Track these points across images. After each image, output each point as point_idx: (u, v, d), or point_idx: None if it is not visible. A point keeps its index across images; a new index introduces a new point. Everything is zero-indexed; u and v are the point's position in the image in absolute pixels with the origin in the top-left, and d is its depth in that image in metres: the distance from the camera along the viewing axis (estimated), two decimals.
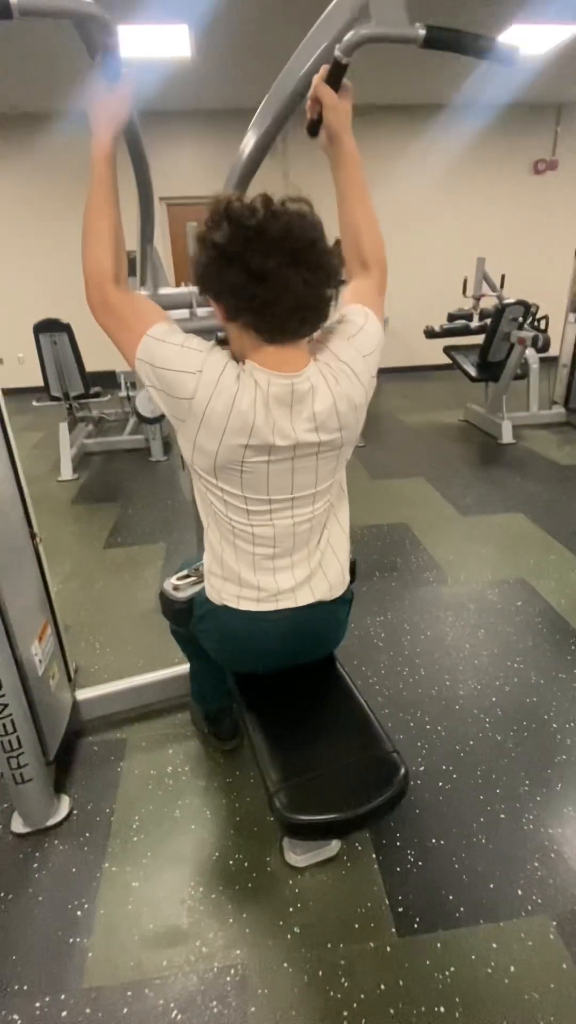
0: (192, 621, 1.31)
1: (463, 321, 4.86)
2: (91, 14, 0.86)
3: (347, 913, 1.28)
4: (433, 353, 6.07)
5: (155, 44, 4.21)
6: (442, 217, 6.58)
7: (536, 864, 1.36)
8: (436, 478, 3.74)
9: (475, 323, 4.81)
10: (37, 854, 1.44)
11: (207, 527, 1.12)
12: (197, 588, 1.33)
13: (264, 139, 1.31)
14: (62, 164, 5.90)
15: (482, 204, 6.65)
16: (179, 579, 1.37)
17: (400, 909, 1.28)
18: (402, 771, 1.06)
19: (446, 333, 5.00)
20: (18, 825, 1.50)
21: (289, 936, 1.24)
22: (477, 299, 4.85)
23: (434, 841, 1.43)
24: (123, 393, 4.70)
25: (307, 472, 1.01)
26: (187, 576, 1.37)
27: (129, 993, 1.16)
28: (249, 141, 1.33)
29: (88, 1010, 1.13)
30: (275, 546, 1.07)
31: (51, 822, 1.51)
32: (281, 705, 1.23)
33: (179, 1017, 1.11)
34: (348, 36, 0.97)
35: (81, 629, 2.34)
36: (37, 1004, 1.14)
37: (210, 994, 1.15)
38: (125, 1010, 1.13)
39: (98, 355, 3.39)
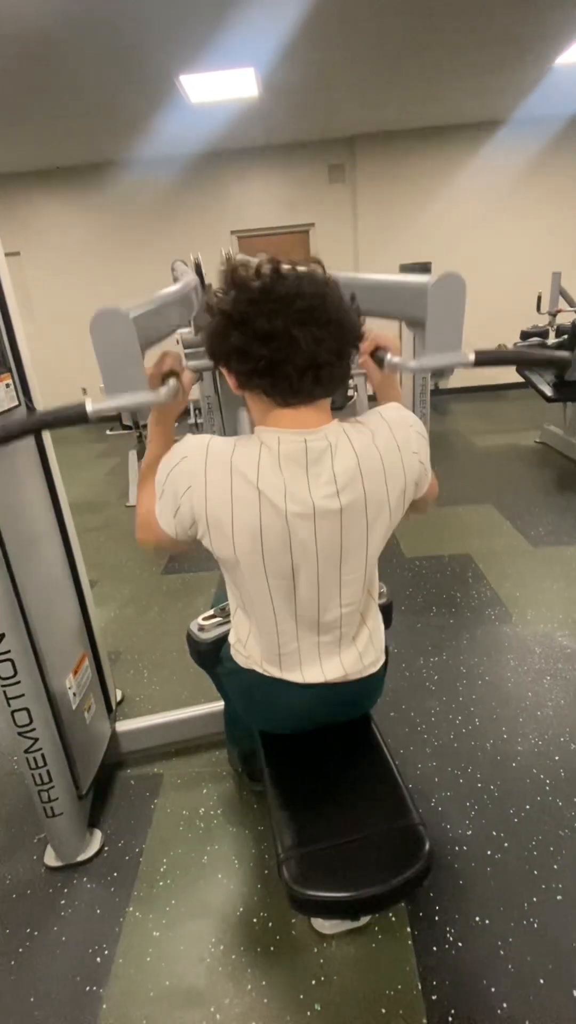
0: (218, 671, 1.27)
1: (538, 338, 4.61)
2: (157, 402, 0.93)
3: (374, 993, 1.17)
4: (505, 372, 5.81)
5: (224, 88, 4.39)
6: (512, 232, 6.33)
7: None
8: (506, 505, 3.52)
9: (551, 340, 4.55)
10: (66, 890, 1.44)
11: (232, 605, 1.09)
12: (223, 629, 1.29)
13: None
14: (128, 206, 6.25)
15: (555, 218, 6.34)
16: (204, 619, 1.34)
17: (434, 997, 1.15)
18: (426, 847, 0.95)
19: None
20: (51, 858, 1.51)
21: (309, 1013, 1.15)
22: (553, 315, 4.60)
23: (478, 920, 1.28)
24: (191, 421, 4.84)
25: (332, 548, 0.92)
26: (213, 616, 1.34)
27: None
28: None
29: None
30: (300, 649, 1.01)
31: (82, 857, 1.51)
32: (303, 762, 1.15)
33: None
34: (394, 359, 1.01)
35: (132, 656, 2.37)
36: None
37: None
38: None
39: None
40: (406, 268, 4.00)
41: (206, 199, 6.21)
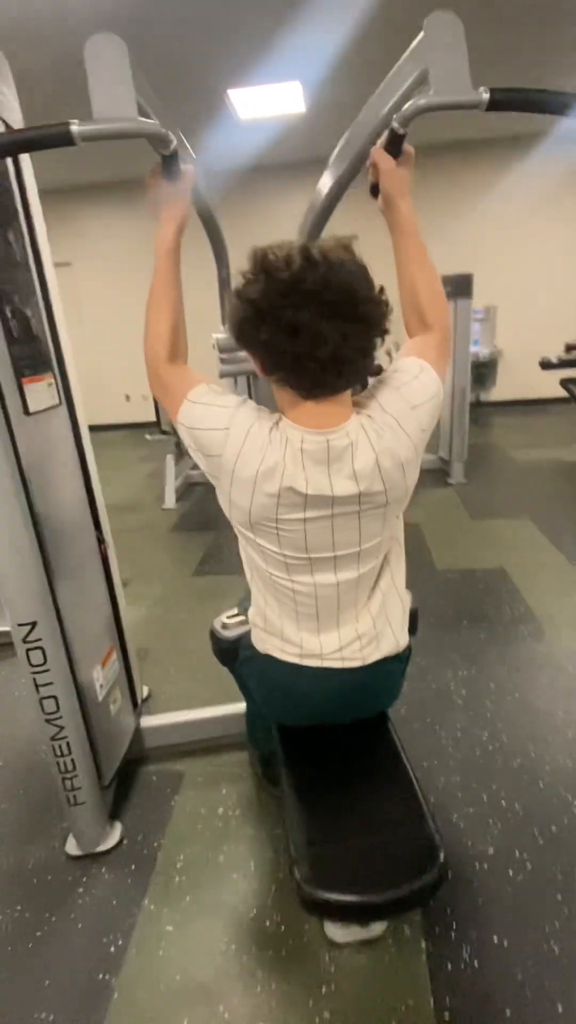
0: (237, 664, 1.28)
1: None
2: (145, 132, 0.91)
3: (385, 1007, 1.15)
4: (549, 386, 5.69)
5: (271, 103, 4.48)
6: (554, 245, 6.21)
7: None
8: (545, 521, 3.44)
9: None
10: (84, 879, 1.47)
11: (250, 579, 1.10)
12: (245, 628, 1.31)
13: (331, 196, 1.32)
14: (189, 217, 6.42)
15: None
16: (228, 617, 1.36)
17: (446, 1015, 1.12)
18: (441, 856, 0.94)
19: (565, 364, 4.67)
20: (72, 847, 1.54)
21: (317, 1020, 1.14)
22: None
23: (496, 940, 1.25)
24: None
25: (349, 530, 0.94)
26: (237, 615, 1.36)
27: None
28: (319, 195, 1.35)
29: None
30: (318, 605, 1.02)
31: (102, 848, 1.53)
32: (320, 761, 1.15)
33: None
34: (406, 107, 0.94)
35: (159, 654, 2.41)
36: None
37: None
38: None
39: None
40: (448, 280, 3.97)
41: (249, 213, 6.33)
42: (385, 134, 1.00)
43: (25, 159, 1.26)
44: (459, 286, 3.88)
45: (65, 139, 0.86)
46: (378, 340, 0.88)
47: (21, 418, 1.22)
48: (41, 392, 1.29)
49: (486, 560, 3.00)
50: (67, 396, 1.44)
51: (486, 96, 0.92)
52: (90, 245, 6.68)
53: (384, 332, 0.88)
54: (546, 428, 5.68)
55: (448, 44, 0.92)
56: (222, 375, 1.58)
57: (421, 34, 0.94)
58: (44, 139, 0.89)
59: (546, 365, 4.72)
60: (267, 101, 4.44)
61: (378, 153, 1.00)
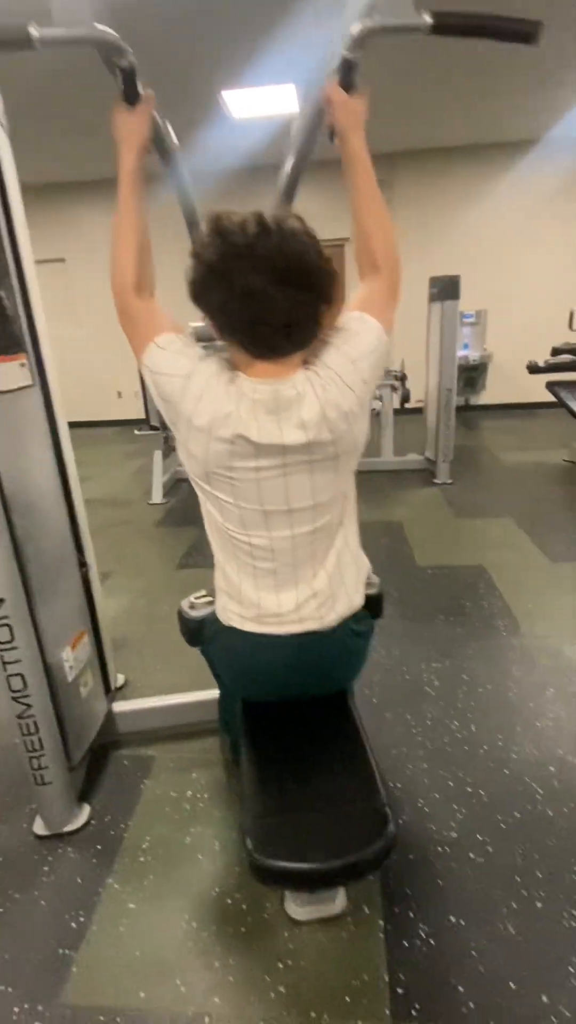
0: (203, 642, 1.30)
1: (569, 356, 4.55)
2: (102, 40, 0.94)
3: (340, 982, 1.16)
4: (539, 390, 5.73)
5: (265, 104, 4.52)
6: (543, 250, 6.27)
7: (571, 970, 1.15)
8: (528, 520, 3.47)
9: None
10: (50, 858, 1.48)
11: (210, 536, 1.12)
12: (212, 608, 1.32)
13: (301, 153, 1.34)
14: (169, 219, 6.45)
15: None
16: (196, 597, 1.37)
17: (400, 990, 1.14)
18: (390, 827, 0.96)
19: (551, 369, 4.71)
20: (40, 827, 1.55)
21: (273, 995, 1.15)
22: None
23: (452, 920, 1.26)
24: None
25: (301, 483, 0.98)
26: (204, 596, 1.37)
27: (102, 1018, 1.12)
28: (289, 158, 1.38)
29: None
30: (274, 560, 1.04)
31: (69, 828, 1.54)
32: (280, 737, 1.17)
33: None
34: (352, 31, 0.98)
35: (138, 645, 2.42)
36: (16, 1009, 1.15)
37: None
38: None
39: None
40: (436, 280, 4.02)
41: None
42: (338, 68, 1.02)
43: (1, 135, 1.27)
44: (446, 287, 3.92)
45: (25, 41, 0.88)
46: (323, 308, 0.91)
47: None
48: (13, 371, 1.31)
49: (466, 557, 3.03)
50: (42, 378, 1.45)
51: (429, 20, 0.96)
52: (85, 242, 6.69)
53: (331, 300, 0.92)
54: (534, 432, 5.73)
55: None
56: (196, 338, 1.60)
57: None
58: (3, 41, 0.91)
59: (533, 369, 4.76)
60: (261, 102, 4.48)
61: (330, 86, 1.04)
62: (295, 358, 0.94)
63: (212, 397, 0.92)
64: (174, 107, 4.64)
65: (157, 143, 1.25)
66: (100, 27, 0.94)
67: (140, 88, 1.06)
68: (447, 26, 0.98)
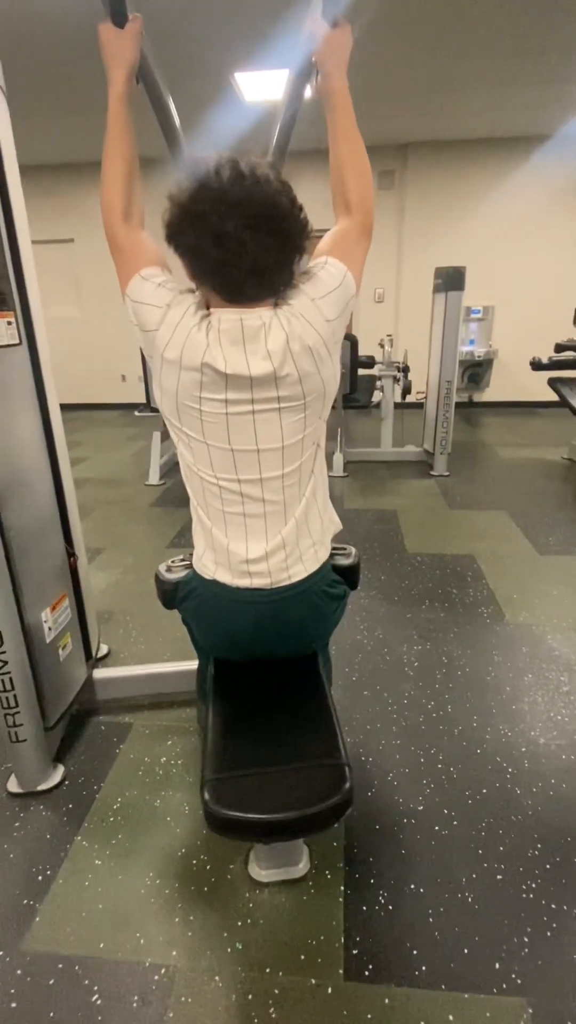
0: (177, 602, 1.31)
1: (572, 352, 4.53)
2: None
3: (297, 941, 1.18)
4: (542, 388, 5.72)
5: (278, 87, 4.49)
6: (550, 246, 6.23)
7: (526, 939, 1.17)
8: (520, 514, 3.47)
9: None
10: (22, 814, 1.50)
11: (186, 485, 1.12)
12: (188, 572, 1.33)
13: (292, 103, 1.34)
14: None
15: None
16: (173, 561, 1.38)
17: (355, 951, 1.15)
18: (347, 784, 0.97)
19: (554, 365, 4.70)
20: (13, 785, 1.57)
21: (229, 950, 1.16)
22: None
23: (412, 887, 1.28)
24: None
25: (270, 423, 0.98)
26: (183, 560, 1.38)
27: (60, 966, 1.14)
28: (282, 110, 1.38)
29: (19, 971, 1.14)
30: (243, 504, 1.04)
31: (42, 787, 1.56)
32: (246, 697, 1.18)
33: (99, 1002, 1.08)
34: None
35: (124, 617, 2.43)
36: None
37: (134, 988, 1.10)
38: (52, 980, 1.12)
39: None
40: (441, 271, 4.00)
41: None
42: (320, 2, 1.02)
43: None
44: (451, 279, 3.90)
45: None
46: (296, 255, 0.93)
47: None
48: None
49: (456, 546, 3.03)
50: (29, 338, 1.46)
51: None
52: (94, 223, 6.64)
53: (303, 250, 0.93)
54: (535, 429, 5.71)
55: None
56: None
57: None
58: None
59: (536, 366, 4.74)
60: (274, 85, 4.45)
61: (313, 20, 1.04)
62: (265, 303, 0.95)
63: (185, 328, 0.93)
64: (186, 87, 4.64)
65: (143, 71, 1.24)
66: None
67: (128, 10, 1.06)
68: None
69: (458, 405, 5.23)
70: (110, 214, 1.02)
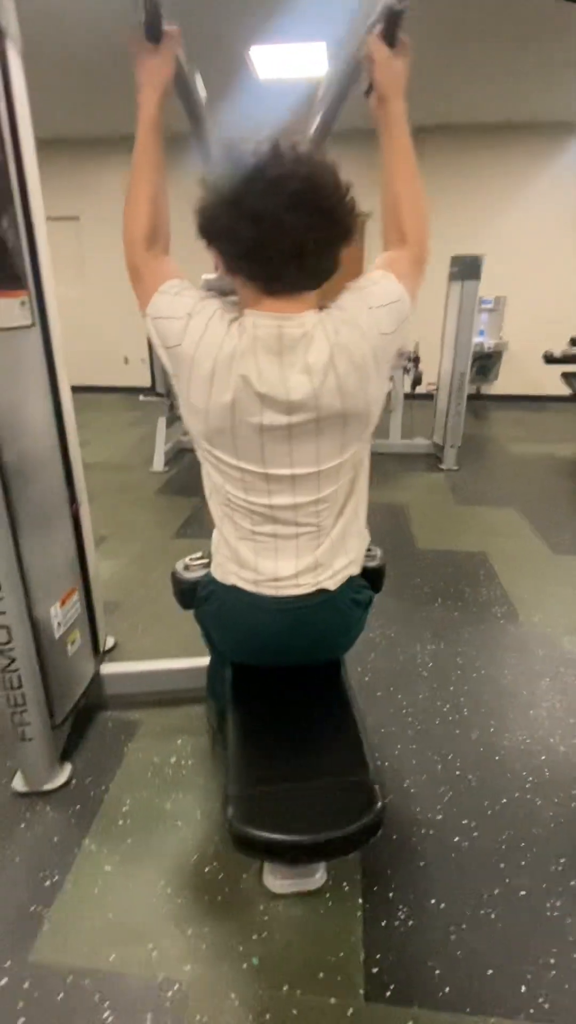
0: (195, 603, 1.25)
1: None
2: None
3: (314, 958, 1.14)
4: (552, 382, 5.65)
5: (295, 64, 4.35)
6: (564, 236, 6.11)
7: (552, 961, 1.13)
8: (531, 511, 3.41)
9: None
10: (28, 815, 1.45)
11: (209, 499, 1.07)
12: (206, 571, 1.27)
13: (329, 112, 1.26)
14: (189, 181, 6.29)
15: None
16: (191, 559, 1.32)
17: (375, 970, 1.11)
18: (378, 804, 0.92)
19: (569, 359, 4.62)
20: (19, 784, 1.52)
21: (245, 966, 1.12)
22: None
23: (433, 902, 1.23)
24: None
25: (306, 446, 0.91)
26: (200, 558, 1.32)
27: (70, 979, 1.10)
28: (316, 115, 1.30)
29: (27, 985, 1.09)
30: (275, 527, 0.98)
31: (49, 786, 1.51)
32: (268, 704, 1.13)
33: (110, 1018, 1.04)
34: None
35: (130, 609, 2.38)
36: None
37: (147, 1004, 1.06)
38: (61, 995, 1.08)
39: None
40: (458, 259, 3.90)
41: None
42: (381, 19, 0.94)
43: (13, 54, 1.19)
44: (467, 267, 3.81)
45: None
46: (342, 241, 0.85)
47: None
48: (12, 309, 1.24)
49: (468, 543, 2.98)
50: (42, 321, 1.38)
51: None
52: (100, 200, 6.50)
53: (349, 232, 0.85)
54: (544, 424, 5.64)
55: None
56: (207, 288, 1.52)
57: None
58: None
59: (549, 359, 4.67)
60: (290, 61, 4.31)
61: (373, 42, 0.95)
62: (307, 296, 0.87)
63: (213, 336, 0.85)
64: (198, 64, 4.47)
65: (180, 89, 1.15)
66: None
67: (165, 24, 0.95)
68: None
69: (467, 397, 5.16)
70: (132, 242, 0.94)
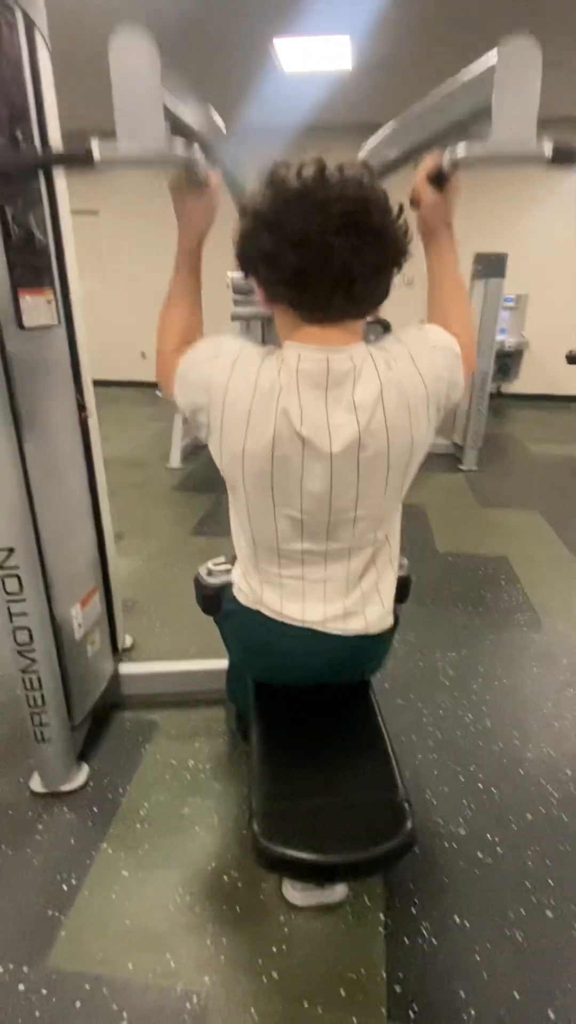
0: (219, 615, 1.23)
1: None
2: (174, 161, 0.83)
3: (335, 973, 1.11)
4: (574, 382, 5.56)
5: (318, 57, 4.29)
6: None
7: None
8: (554, 514, 3.35)
9: None
10: (45, 816, 1.44)
11: (235, 539, 1.03)
12: (229, 577, 1.25)
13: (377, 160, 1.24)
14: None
15: None
16: (215, 564, 1.30)
17: (398, 989, 1.09)
18: (408, 824, 0.89)
19: None
20: (37, 784, 1.51)
21: (265, 979, 1.10)
22: None
23: (457, 920, 1.21)
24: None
25: (347, 491, 0.85)
26: (223, 563, 1.30)
27: (87, 986, 1.09)
28: (368, 154, 1.27)
29: (44, 991, 1.08)
30: (303, 572, 0.94)
31: (67, 787, 1.50)
32: (293, 718, 1.10)
33: None
34: (461, 151, 0.86)
35: (148, 607, 2.37)
36: (0, 970, 1.12)
37: (165, 1015, 1.05)
38: (78, 1004, 1.06)
39: None
40: (482, 257, 3.83)
41: None
42: (429, 161, 0.93)
43: (42, 47, 1.16)
44: (492, 265, 3.74)
45: (87, 161, 0.84)
46: (394, 266, 0.79)
47: (14, 331, 1.15)
48: (39, 307, 1.22)
49: (488, 547, 2.93)
50: (68, 319, 1.36)
51: (549, 152, 0.84)
52: (120, 195, 6.49)
53: (401, 256, 0.79)
54: (567, 424, 5.55)
55: (522, 81, 0.81)
56: (234, 317, 1.50)
57: (494, 58, 0.82)
58: (65, 160, 0.93)
59: (572, 359, 4.57)
60: (314, 54, 4.25)
61: (421, 184, 0.93)
62: (354, 326, 0.82)
63: (247, 368, 0.80)
64: (224, 54, 4.44)
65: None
66: (171, 149, 0.82)
67: (207, 169, 0.92)
68: (567, 154, 0.85)
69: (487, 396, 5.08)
70: (163, 353, 0.93)
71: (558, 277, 6.10)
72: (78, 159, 0.85)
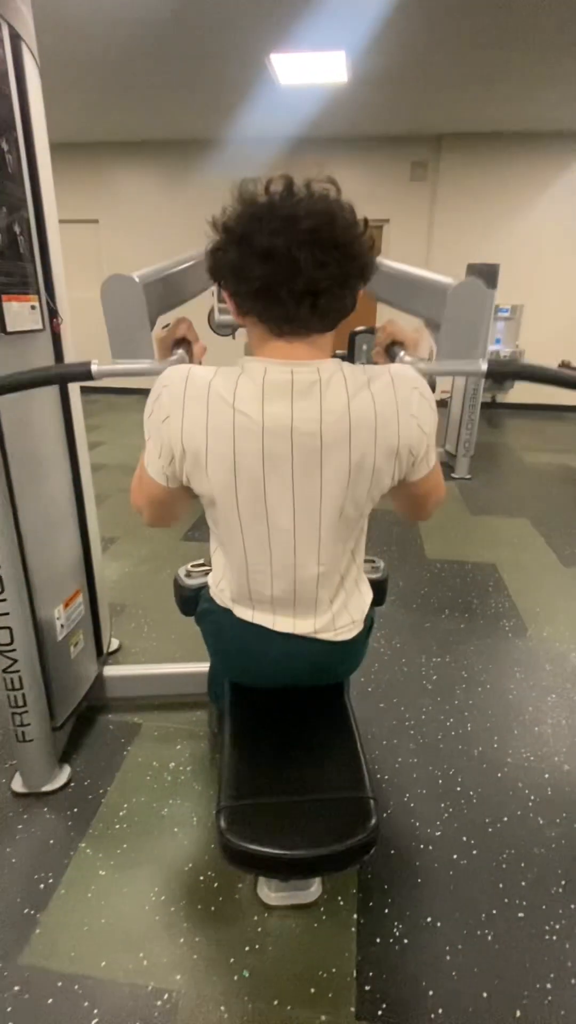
0: (195, 613, 1.25)
1: None
2: (159, 370, 0.90)
3: (307, 972, 1.12)
4: (571, 393, 5.59)
5: (314, 71, 4.36)
6: None
7: (550, 986, 1.10)
8: (543, 522, 3.37)
9: None
10: (25, 816, 1.45)
11: (212, 551, 1.06)
12: (207, 579, 1.27)
13: None
14: (209, 185, 6.30)
15: None
16: (193, 566, 1.32)
17: (367, 987, 1.10)
18: (372, 821, 0.90)
19: None
20: (18, 784, 1.52)
21: (236, 978, 1.11)
22: None
23: (429, 920, 1.22)
24: None
25: (310, 489, 0.85)
26: (202, 564, 1.32)
27: (60, 984, 1.10)
28: None
29: (17, 988, 1.09)
30: (272, 587, 0.95)
31: (47, 788, 1.51)
32: (265, 717, 1.12)
33: None
34: (407, 358, 0.98)
35: (136, 611, 2.38)
36: None
37: (137, 1013, 1.05)
38: (51, 1000, 1.07)
39: None
40: (473, 268, 3.88)
41: None
42: (387, 335, 1.04)
43: (28, 59, 1.20)
44: (484, 276, 3.78)
45: (86, 376, 1.00)
46: (359, 282, 0.81)
47: None
48: (23, 313, 1.25)
49: (478, 554, 2.95)
50: (52, 322, 1.39)
51: (483, 367, 0.98)
52: (120, 204, 6.57)
53: (366, 270, 0.81)
54: (561, 434, 5.58)
55: (469, 315, 0.98)
56: (219, 325, 1.52)
57: (450, 288, 0.97)
58: (67, 375, 1.06)
59: (567, 370, 4.62)
60: (310, 68, 4.32)
61: (381, 358, 1.04)
62: (321, 341, 0.83)
63: (198, 416, 0.80)
64: (221, 69, 4.52)
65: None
66: (156, 362, 1.02)
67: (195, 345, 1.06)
68: (501, 374, 1.02)
69: (481, 405, 5.11)
70: (143, 513, 1.05)
71: (553, 288, 6.16)
72: (78, 374, 0.99)
